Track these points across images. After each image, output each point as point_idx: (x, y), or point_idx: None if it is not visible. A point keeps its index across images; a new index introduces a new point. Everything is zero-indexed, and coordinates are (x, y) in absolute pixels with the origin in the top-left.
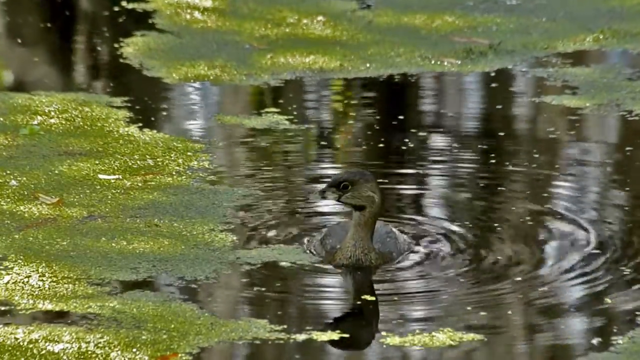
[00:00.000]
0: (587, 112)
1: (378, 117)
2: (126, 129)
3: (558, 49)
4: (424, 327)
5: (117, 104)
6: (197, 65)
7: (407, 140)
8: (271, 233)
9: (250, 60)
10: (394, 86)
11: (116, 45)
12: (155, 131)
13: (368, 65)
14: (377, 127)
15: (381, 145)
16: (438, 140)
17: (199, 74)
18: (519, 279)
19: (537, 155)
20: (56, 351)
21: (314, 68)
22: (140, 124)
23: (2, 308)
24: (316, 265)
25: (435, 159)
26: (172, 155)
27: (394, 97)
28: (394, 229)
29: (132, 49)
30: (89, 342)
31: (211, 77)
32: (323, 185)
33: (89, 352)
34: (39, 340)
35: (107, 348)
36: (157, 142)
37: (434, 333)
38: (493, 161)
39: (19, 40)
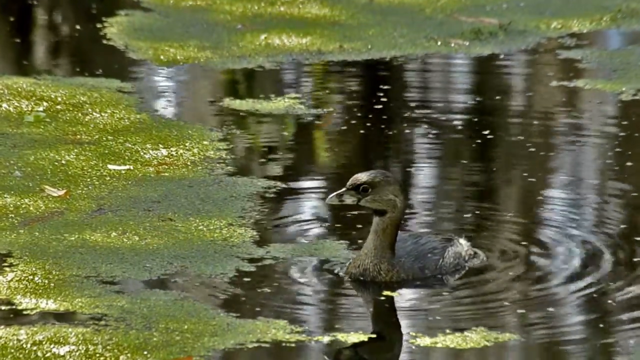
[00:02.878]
0: (623, 98)
1: (407, 103)
2: (138, 116)
3: (573, 29)
4: (455, 326)
5: (127, 89)
6: (186, 47)
7: (434, 128)
8: (308, 227)
9: (243, 42)
10: (407, 69)
11: (99, 25)
12: (169, 118)
13: (369, 46)
14: (404, 115)
15: (409, 132)
16: (472, 129)
17: (189, 56)
18: (556, 273)
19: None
20: (62, 353)
21: (312, 50)
22: (154, 111)
23: (5, 307)
24: (344, 259)
25: (470, 150)
26: (186, 144)
27: (411, 80)
28: (455, 246)
29: (116, 29)
30: (96, 344)
31: (201, 60)
32: (341, 189)
33: (97, 355)
34: (44, 342)
35: (115, 350)
36: (171, 129)
37: (466, 333)
38: (530, 150)
39: None
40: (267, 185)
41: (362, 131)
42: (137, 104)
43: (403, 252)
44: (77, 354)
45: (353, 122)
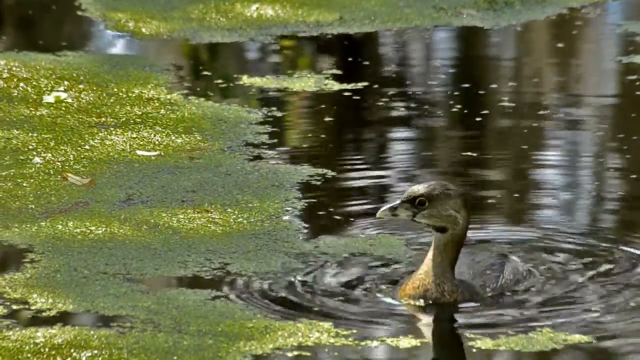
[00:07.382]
0: None
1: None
2: (168, 96)
3: None
4: (517, 328)
5: (157, 67)
6: (170, 19)
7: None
8: (362, 219)
9: (233, 12)
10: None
11: None
12: (202, 99)
13: (372, 18)
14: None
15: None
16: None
17: (173, 28)
18: (627, 271)
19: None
20: (83, 358)
21: (309, 22)
22: (186, 91)
23: (23, 307)
24: (402, 259)
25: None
26: (222, 127)
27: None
28: (511, 262)
29: None
30: (121, 349)
31: (187, 33)
32: (396, 201)
33: None
34: (63, 346)
35: (142, 355)
36: (205, 111)
37: (531, 334)
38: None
39: None
40: (313, 173)
41: (403, 110)
42: (168, 83)
43: (460, 270)
44: (100, 359)
45: (387, 101)
